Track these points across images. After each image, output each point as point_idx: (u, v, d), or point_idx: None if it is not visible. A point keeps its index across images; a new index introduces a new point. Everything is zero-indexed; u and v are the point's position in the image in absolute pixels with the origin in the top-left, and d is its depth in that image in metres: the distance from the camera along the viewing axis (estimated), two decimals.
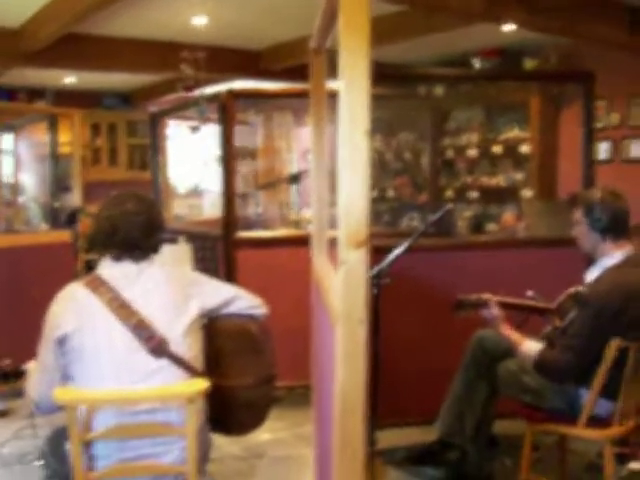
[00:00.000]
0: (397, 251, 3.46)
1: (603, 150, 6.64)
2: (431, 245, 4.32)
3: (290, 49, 7.18)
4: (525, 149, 7.13)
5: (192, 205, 8.83)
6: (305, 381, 3.58)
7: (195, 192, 9.03)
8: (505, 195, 7.56)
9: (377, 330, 3.41)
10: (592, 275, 3.34)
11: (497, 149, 7.46)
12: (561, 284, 3.64)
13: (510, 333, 3.43)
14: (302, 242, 3.63)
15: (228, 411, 2.83)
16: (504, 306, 3.51)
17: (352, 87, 1.76)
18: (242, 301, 2.87)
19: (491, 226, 7.47)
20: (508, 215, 7.45)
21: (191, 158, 8.54)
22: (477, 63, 7.33)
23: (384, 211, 8.05)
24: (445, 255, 4.34)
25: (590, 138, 4.52)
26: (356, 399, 1.83)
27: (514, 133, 7.32)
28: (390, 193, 8.40)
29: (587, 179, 4.52)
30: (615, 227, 3.28)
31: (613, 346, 3.13)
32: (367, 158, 1.78)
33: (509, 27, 5.89)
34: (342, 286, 1.81)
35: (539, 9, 5.17)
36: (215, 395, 2.69)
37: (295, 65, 7.02)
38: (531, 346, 3.33)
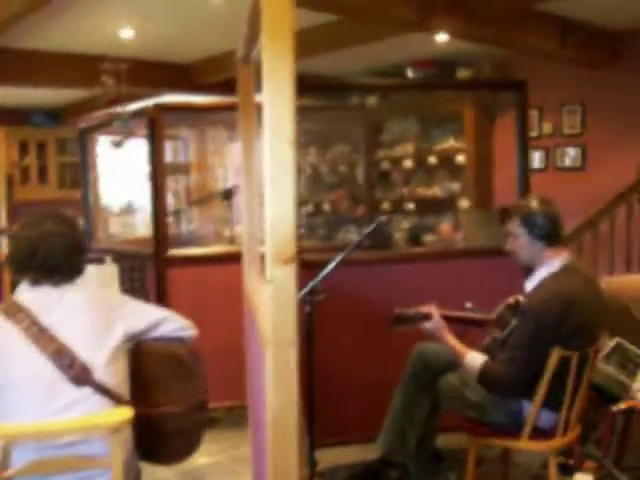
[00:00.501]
0: (330, 266, 3.36)
1: (537, 159, 6.67)
2: (367, 258, 4.23)
3: (220, 62, 7.07)
4: (461, 159, 7.10)
5: (126, 223, 8.61)
6: (243, 401, 3.47)
7: (128, 210, 8.81)
8: (442, 206, 7.50)
9: (312, 348, 3.31)
10: (531, 284, 3.29)
11: (433, 160, 7.42)
12: (499, 294, 3.59)
13: (455, 343, 3.35)
14: (236, 259, 3.51)
15: (158, 440, 2.67)
16: (444, 318, 3.44)
17: (275, 96, 1.66)
18: (170, 324, 2.72)
19: (429, 237, 7.41)
20: (445, 226, 7.41)
21: (123, 175, 8.34)
22: (411, 73, 7.31)
23: (320, 225, 7.94)
24: (382, 268, 4.26)
25: (524, 147, 4.50)
26: (289, 422, 1.75)
27: (449, 144, 7.30)
28: (326, 207, 8.31)
29: (522, 188, 4.48)
30: (555, 233, 3.25)
31: (554, 356, 3.08)
32: (293, 170, 1.67)
33: (442, 37, 5.86)
34: (270, 305, 1.71)
35: (472, 19, 5.15)
36: (143, 423, 2.54)
37: (227, 78, 6.90)
38: (475, 358, 3.26)
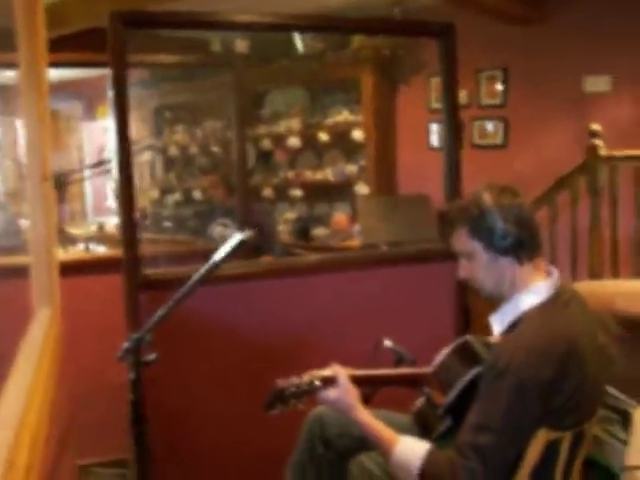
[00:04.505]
0: (159, 313, 2.03)
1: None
2: (238, 272, 2.92)
3: None
4: (357, 135, 5.91)
5: None
6: None
7: None
8: (335, 192, 6.34)
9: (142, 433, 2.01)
10: (502, 324, 2.07)
11: (323, 137, 6.20)
12: (434, 322, 2.79)
13: (373, 424, 2.10)
14: None
15: None
16: (354, 382, 2.18)
17: None
18: None
19: (319, 230, 6.22)
20: (339, 216, 6.25)
21: None
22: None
23: (189, 217, 6.66)
24: (260, 285, 2.97)
25: (453, 114, 3.30)
26: None
27: (343, 116, 6.09)
28: (197, 195, 7.00)
29: (452, 172, 3.27)
30: (529, 241, 2.03)
31: (539, 441, 1.91)
32: None
33: None
34: None
35: None
36: None
37: None
38: (410, 449, 2.01)
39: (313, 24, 3.33)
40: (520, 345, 1.91)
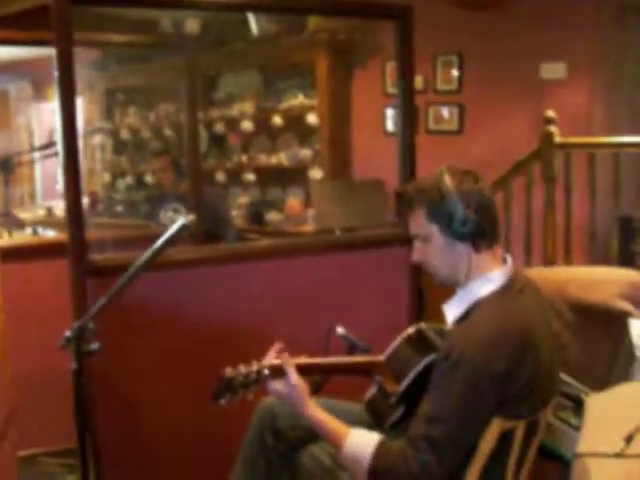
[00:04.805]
0: (101, 301, 1.95)
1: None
2: (189, 258, 2.85)
3: None
4: (311, 120, 5.84)
5: None
6: None
7: None
8: (288, 176, 6.27)
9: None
10: (456, 311, 2.02)
11: (277, 121, 6.12)
12: (387, 309, 2.79)
13: (323, 419, 2.04)
14: None
15: None
16: (304, 371, 2.12)
17: None
18: None
19: (273, 215, 6.15)
20: (293, 201, 6.18)
21: None
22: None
23: (140, 201, 6.53)
24: (213, 271, 2.89)
25: (408, 96, 3.25)
26: None
27: (298, 100, 6.01)
28: (148, 179, 6.87)
29: (406, 156, 3.23)
30: (489, 227, 1.98)
31: (492, 430, 1.89)
32: None
33: None
34: None
35: None
36: None
37: None
38: (360, 442, 1.96)
39: (267, 4, 3.24)
40: (474, 335, 1.87)
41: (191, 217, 1.98)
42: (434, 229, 1.98)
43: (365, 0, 3.38)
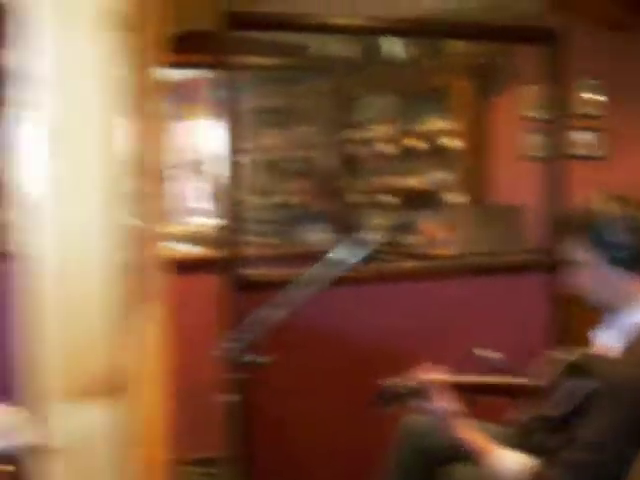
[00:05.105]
0: (273, 313, 2.04)
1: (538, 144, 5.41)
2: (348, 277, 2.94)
3: None
4: (448, 143, 5.85)
5: None
6: None
7: None
8: (422, 200, 6.27)
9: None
10: (611, 339, 2.02)
11: (414, 143, 6.17)
12: (521, 331, 2.85)
13: (472, 437, 2.08)
14: None
15: None
16: (456, 389, 2.16)
17: None
18: None
19: (410, 237, 6.16)
20: (428, 224, 6.17)
21: None
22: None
23: (282, 220, 6.66)
24: (356, 290, 2.97)
25: (561, 122, 3.24)
26: None
27: (437, 125, 6.04)
28: (289, 199, 7.02)
29: (556, 182, 3.22)
30: None
31: None
32: None
33: None
34: None
35: None
36: None
37: None
38: (509, 460, 1.99)
39: (417, 29, 3.32)
40: (635, 364, 1.86)
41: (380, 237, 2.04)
42: (594, 255, 2.00)
43: (514, 24, 3.40)
